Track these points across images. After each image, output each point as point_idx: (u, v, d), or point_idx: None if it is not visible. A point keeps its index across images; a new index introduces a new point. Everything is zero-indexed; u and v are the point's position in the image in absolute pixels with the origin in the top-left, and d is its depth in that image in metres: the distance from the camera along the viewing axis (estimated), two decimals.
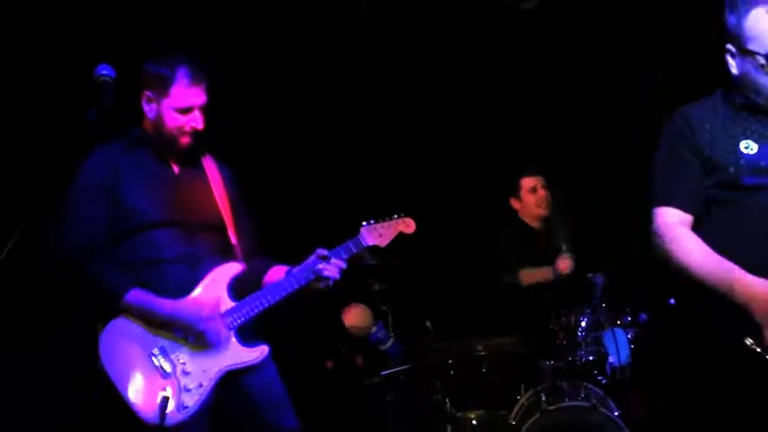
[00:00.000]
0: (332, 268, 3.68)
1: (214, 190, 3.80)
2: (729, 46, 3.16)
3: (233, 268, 3.71)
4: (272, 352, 3.69)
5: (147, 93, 3.67)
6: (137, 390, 3.40)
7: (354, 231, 3.90)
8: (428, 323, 5.28)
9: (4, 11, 4.84)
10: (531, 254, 5.81)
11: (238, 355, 3.60)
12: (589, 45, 6.24)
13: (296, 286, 3.67)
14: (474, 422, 5.19)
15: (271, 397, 3.64)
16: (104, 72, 3.15)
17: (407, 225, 4.03)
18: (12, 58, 4.87)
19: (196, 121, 3.66)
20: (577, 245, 5.72)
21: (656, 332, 5.04)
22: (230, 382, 3.58)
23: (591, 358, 4.98)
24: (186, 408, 3.44)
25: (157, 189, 3.67)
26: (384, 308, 5.48)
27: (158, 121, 3.66)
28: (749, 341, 2.90)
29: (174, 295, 3.54)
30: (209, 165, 3.87)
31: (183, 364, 3.50)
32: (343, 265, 3.72)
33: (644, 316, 5.08)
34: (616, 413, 4.74)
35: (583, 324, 5.03)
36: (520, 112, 6.61)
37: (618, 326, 5.03)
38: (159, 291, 3.52)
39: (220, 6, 5.48)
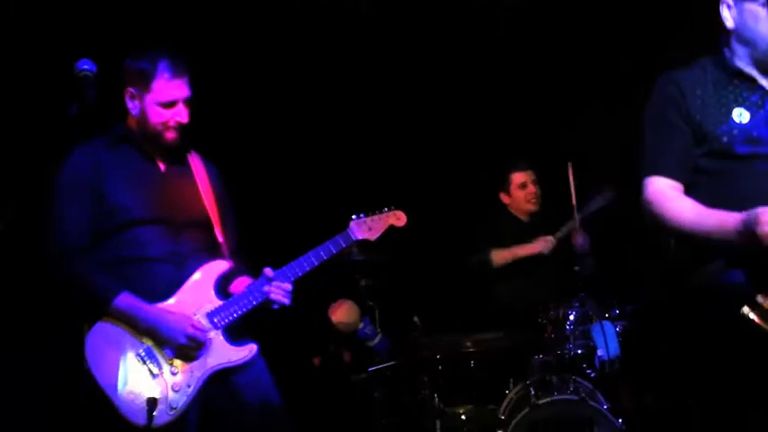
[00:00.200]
0: (278, 292, 3.61)
1: (200, 187, 3.75)
2: None
3: (220, 266, 3.66)
4: (260, 349, 3.64)
5: (130, 89, 3.61)
6: (123, 391, 3.36)
7: (344, 225, 3.85)
8: (416, 318, 5.25)
9: None
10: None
11: (226, 354, 3.55)
12: (589, 43, 6.25)
13: (254, 303, 3.62)
14: (463, 417, 5.19)
15: (260, 395, 3.59)
16: (85, 67, 3.11)
17: (398, 218, 3.99)
18: None
19: (181, 115, 3.60)
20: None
21: (645, 324, 5.04)
22: (219, 381, 3.53)
23: (579, 352, 4.99)
24: (174, 408, 3.40)
25: (142, 186, 3.61)
26: (371, 303, 5.44)
27: (142, 118, 3.61)
28: (746, 310, 2.80)
29: (160, 294, 3.50)
30: (195, 162, 3.82)
31: (171, 364, 3.46)
32: (289, 288, 3.64)
33: (631, 308, 5.08)
34: (605, 406, 4.72)
35: (571, 317, 5.04)
36: (513, 108, 6.60)
37: (606, 319, 5.03)
38: (144, 289, 3.48)
39: (221, 6, 5.44)
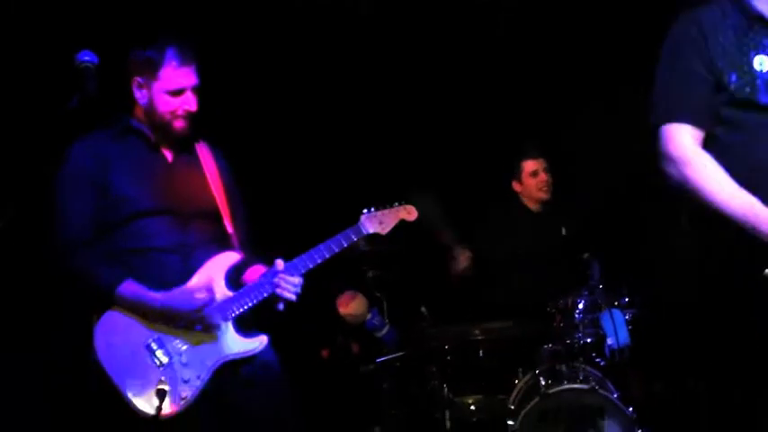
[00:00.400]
0: (285, 287, 3.57)
1: (209, 177, 3.71)
2: None
3: (230, 258, 3.63)
4: (270, 341, 3.62)
5: (138, 79, 3.58)
6: (133, 382, 3.34)
7: (354, 219, 3.83)
8: (423, 309, 5.23)
9: None
10: (532, 237, 5.76)
11: (237, 345, 3.52)
12: (589, 43, 6.21)
13: (265, 295, 3.59)
14: (472, 407, 5.19)
15: (270, 387, 3.56)
16: (86, 58, 3.08)
17: (409, 212, 3.96)
18: None
19: (189, 103, 3.57)
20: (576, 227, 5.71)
21: (654, 311, 5.01)
22: (229, 371, 3.50)
23: (589, 340, 4.95)
24: (184, 399, 3.37)
25: (148, 177, 3.59)
26: (378, 295, 5.42)
27: (151, 107, 3.58)
28: None
29: (167, 286, 3.47)
30: (204, 152, 3.78)
31: (181, 355, 3.43)
32: (297, 282, 3.59)
33: (640, 296, 5.06)
34: (615, 395, 4.71)
35: (580, 306, 5.00)
36: (512, 108, 6.55)
37: (615, 307, 5.00)
38: (151, 281, 3.45)
39: (220, 5, 5.43)
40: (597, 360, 4.95)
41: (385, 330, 5.36)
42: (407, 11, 6.05)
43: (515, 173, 5.90)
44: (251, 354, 3.54)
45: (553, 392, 4.70)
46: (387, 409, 5.33)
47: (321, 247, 3.68)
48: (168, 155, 3.68)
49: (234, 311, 3.54)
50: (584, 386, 4.69)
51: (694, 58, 2.92)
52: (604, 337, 4.94)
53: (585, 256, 5.20)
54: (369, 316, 5.37)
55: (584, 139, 6.07)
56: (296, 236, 3.77)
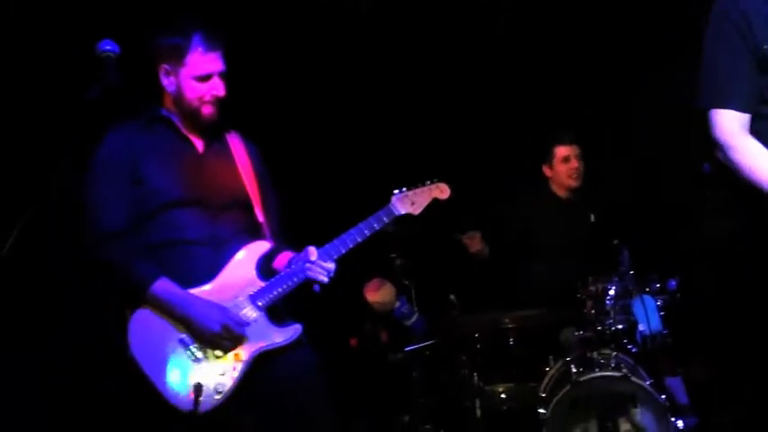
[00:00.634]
0: (317, 270, 3.51)
1: (239, 167, 3.67)
2: None
3: (261, 247, 3.58)
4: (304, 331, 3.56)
5: (165, 66, 3.54)
6: (169, 377, 3.31)
7: (386, 200, 3.74)
8: (452, 297, 5.19)
9: None
10: (561, 224, 5.72)
11: (270, 335, 3.47)
12: (589, 43, 6.23)
13: (297, 282, 3.53)
14: (503, 395, 5.16)
15: (305, 378, 3.51)
16: (107, 47, 3.06)
17: (441, 191, 3.83)
18: (9, 33, 4.80)
19: (217, 88, 3.52)
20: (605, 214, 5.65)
21: (687, 296, 4.95)
22: (264, 363, 3.45)
23: (620, 327, 4.88)
24: (220, 393, 3.34)
25: (178, 167, 3.55)
26: (407, 282, 5.38)
27: (179, 94, 3.54)
28: None
29: (199, 278, 3.44)
30: (234, 141, 3.74)
31: (215, 348, 3.40)
32: (329, 268, 3.52)
33: (673, 283, 4.99)
34: (648, 382, 4.66)
35: (611, 292, 4.92)
36: (512, 108, 6.55)
37: (647, 293, 4.93)
38: (183, 273, 3.42)
39: (221, 5, 5.41)
40: (629, 347, 4.89)
41: (414, 318, 5.33)
42: (407, 11, 6.03)
43: (547, 157, 5.84)
44: (285, 343, 3.48)
45: (584, 380, 4.66)
46: (416, 398, 5.30)
47: (353, 231, 3.61)
48: (199, 145, 3.64)
49: (266, 302, 3.50)
50: (616, 373, 4.64)
51: (737, 39, 2.93)
52: (636, 324, 4.87)
53: (615, 242, 5.14)
54: (397, 304, 5.33)
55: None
56: (325, 220, 3.72)
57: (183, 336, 3.39)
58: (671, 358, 5.07)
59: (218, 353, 3.39)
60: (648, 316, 4.85)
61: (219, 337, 3.38)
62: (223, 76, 3.55)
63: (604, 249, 5.26)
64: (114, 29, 3.23)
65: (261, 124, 4.56)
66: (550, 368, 4.98)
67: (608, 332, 4.87)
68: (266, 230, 3.64)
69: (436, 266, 5.77)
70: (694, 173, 3.27)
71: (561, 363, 4.94)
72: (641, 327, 4.85)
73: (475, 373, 5.07)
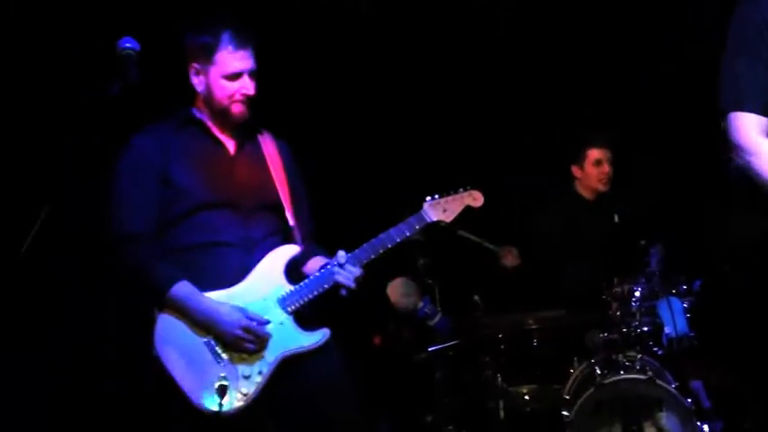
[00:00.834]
0: (345, 274, 3.48)
1: (272, 169, 3.64)
2: None
3: (290, 250, 3.55)
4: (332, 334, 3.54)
5: (194, 65, 3.52)
6: (193, 379, 3.29)
7: (417, 207, 3.69)
8: (476, 297, 5.17)
9: None
10: (586, 225, 5.68)
11: (298, 339, 3.45)
12: (589, 43, 6.22)
13: (326, 287, 3.50)
14: (527, 397, 5.14)
15: (332, 382, 3.49)
16: (128, 45, 3.05)
17: (475, 198, 3.76)
18: (30, 31, 4.81)
19: (246, 87, 3.50)
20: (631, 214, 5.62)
21: (714, 299, 4.89)
22: (291, 366, 3.43)
23: (646, 329, 4.84)
24: (245, 395, 3.32)
25: (210, 169, 3.53)
26: (430, 282, 5.36)
27: (208, 93, 3.52)
28: None
29: (229, 280, 3.43)
30: (267, 143, 3.71)
31: (240, 351, 3.38)
32: (356, 273, 3.50)
33: (698, 283, 4.94)
34: (674, 385, 4.61)
35: (636, 293, 4.89)
36: (511, 109, 6.53)
37: (673, 294, 4.89)
38: (213, 275, 3.41)
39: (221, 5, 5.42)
40: (655, 349, 4.85)
41: (437, 319, 5.30)
42: (407, 11, 6.02)
43: (578, 158, 5.78)
44: (313, 347, 3.45)
45: (609, 383, 4.62)
46: (439, 399, 5.29)
47: (383, 236, 3.57)
48: (230, 146, 3.61)
49: (294, 305, 3.47)
50: (642, 376, 4.60)
51: (758, 42, 2.92)
52: (662, 326, 4.83)
53: (642, 243, 5.09)
54: (420, 304, 5.30)
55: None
56: (356, 225, 3.71)
57: (208, 338, 3.38)
58: (696, 362, 5.02)
59: (244, 355, 3.38)
60: (675, 318, 4.80)
61: (241, 339, 3.36)
62: (253, 74, 3.53)
63: (630, 250, 5.22)
64: (134, 26, 3.23)
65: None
66: (575, 370, 4.94)
67: (633, 334, 4.83)
68: (296, 234, 3.61)
69: (460, 267, 5.74)
70: (720, 171, 3.23)
71: (585, 364, 4.91)
72: (667, 329, 4.81)
73: (498, 374, 5.05)
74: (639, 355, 4.76)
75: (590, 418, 4.61)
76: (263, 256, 3.49)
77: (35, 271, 3.55)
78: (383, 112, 6.25)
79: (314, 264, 3.63)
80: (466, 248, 5.60)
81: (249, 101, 3.54)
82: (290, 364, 3.42)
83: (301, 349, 3.43)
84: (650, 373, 4.59)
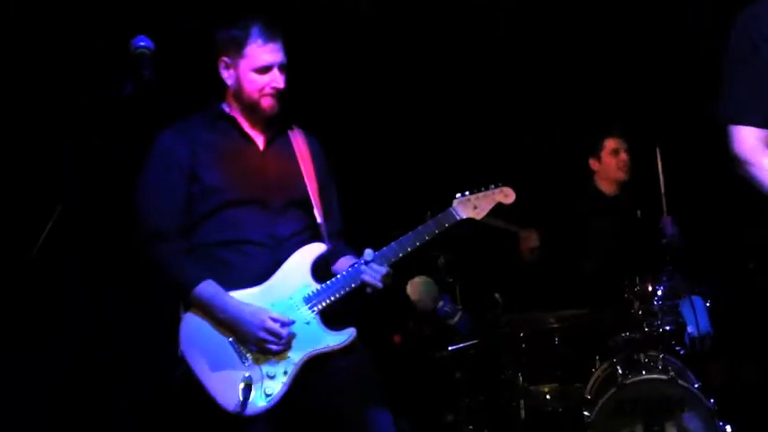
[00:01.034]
0: (371, 273, 3.44)
1: (302, 166, 3.61)
2: None
3: (317, 249, 3.52)
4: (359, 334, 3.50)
5: (224, 59, 3.51)
6: (218, 378, 3.28)
7: (447, 204, 3.64)
8: (497, 296, 5.14)
9: None
10: (607, 221, 5.63)
11: (324, 339, 3.41)
12: (589, 43, 6.20)
13: (353, 286, 3.47)
14: (548, 396, 5.12)
15: (359, 382, 3.45)
16: (142, 44, 3.04)
17: (506, 195, 3.70)
18: (44, 29, 4.81)
19: (276, 80, 3.48)
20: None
21: (737, 298, 4.85)
22: (317, 366, 3.40)
23: (668, 328, 4.82)
24: (270, 396, 3.30)
25: (238, 166, 3.51)
26: (450, 280, 5.33)
27: (238, 87, 3.51)
28: None
29: (255, 278, 3.41)
30: (297, 139, 3.69)
31: (266, 350, 3.36)
32: (383, 271, 3.45)
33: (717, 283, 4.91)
34: (696, 385, 4.57)
35: (659, 292, 4.87)
36: (511, 108, 6.50)
37: (696, 293, 4.84)
38: (239, 273, 3.39)
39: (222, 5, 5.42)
40: (677, 349, 4.82)
41: (457, 317, 5.26)
42: (407, 11, 6.00)
43: (595, 150, 5.74)
44: (339, 347, 3.42)
45: (631, 383, 4.58)
46: (460, 398, 5.28)
47: (411, 234, 3.52)
48: (260, 142, 3.59)
49: (320, 304, 3.44)
50: (664, 376, 4.56)
51: (757, 56, 2.93)
52: (684, 325, 4.80)
53: (664, 241, 5.05)
54: (440, 302, 5.27)
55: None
56: (388, 224, 3.67)
57: (233, 337, 3.37)
58: (721, 361, 4.98)
59: (268, 355, 3.36)
60: (697, 317, 4.76)
61: (264, 341, 3.34)
62: (283, 68, 3.51)
63: (652, 247, 5.18)
64: (134, 27, 3.21)
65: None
66: (596, 369, 4.91)
67: (655, 333, 4.81)
68: (324, 231, 3.58)
69: (481, 264, 5.71)
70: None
71: (607, 364, 4.87)
72: (690, 328, 4.78)
73: (519, 374, 5.04)
74: (662, 355, 4.73)
75: (611, 418, 4.57)
76: (290, 254, 3.46)
77: (41, 271, 3.54)
78: (383, 112, 6.23)
79: (343, 263, 3.61)
80: (485, 235, 5.56)
81: (279, 95, 3.52)
82: (317, 364, 3.40)
83: (327, 349, 3.40)
84: (672, 372, 4.55)
